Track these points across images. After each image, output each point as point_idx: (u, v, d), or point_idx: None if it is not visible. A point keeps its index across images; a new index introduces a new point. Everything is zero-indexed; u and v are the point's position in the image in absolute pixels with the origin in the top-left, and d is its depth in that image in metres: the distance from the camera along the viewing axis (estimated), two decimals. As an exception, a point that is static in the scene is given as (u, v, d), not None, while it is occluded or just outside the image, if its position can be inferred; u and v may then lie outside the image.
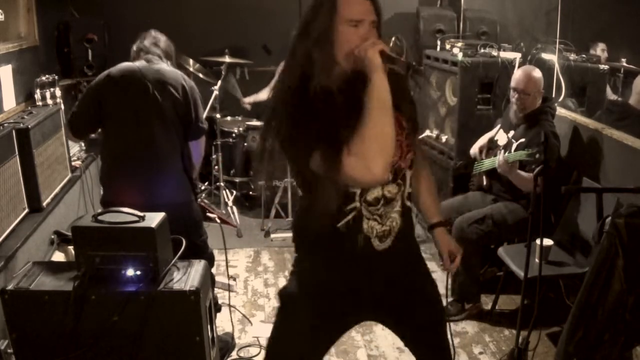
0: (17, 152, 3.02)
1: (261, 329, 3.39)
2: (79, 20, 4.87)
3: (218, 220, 3.71)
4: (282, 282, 4.00)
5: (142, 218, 2.23)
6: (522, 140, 3.43)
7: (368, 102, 1.61)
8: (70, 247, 3.11)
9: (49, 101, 3.85)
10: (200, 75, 4.87)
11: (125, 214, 2.24)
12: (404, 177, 1.82)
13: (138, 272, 2.20)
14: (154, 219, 2.23)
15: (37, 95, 3.85)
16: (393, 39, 4.21)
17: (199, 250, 2.94)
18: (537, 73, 3.48)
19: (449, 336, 2.01)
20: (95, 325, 2.17)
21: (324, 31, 1.66)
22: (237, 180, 5.16)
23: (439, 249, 2.06)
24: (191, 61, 4.89)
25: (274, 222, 4.82)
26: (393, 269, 1.86)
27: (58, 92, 3.93)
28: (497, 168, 3.39)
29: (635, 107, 3.56)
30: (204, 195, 4.96)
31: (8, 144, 2.96)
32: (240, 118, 5.35)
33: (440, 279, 2.03)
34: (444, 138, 4.47)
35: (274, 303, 3.71)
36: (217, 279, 3.52)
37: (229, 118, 5.33)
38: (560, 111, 3.80)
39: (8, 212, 2.89)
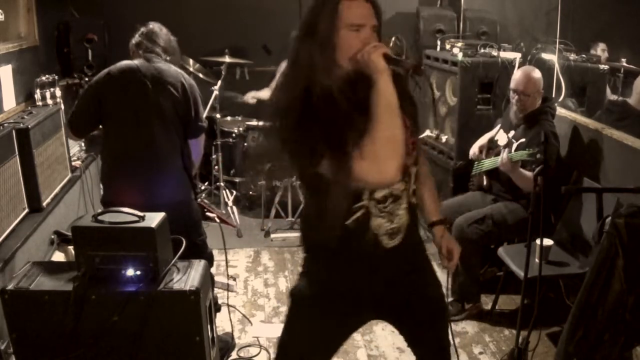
0: (17, 152, 3.03)
1: (261, 329, 3.39)
2: (79, 20, 4.88)
3: (217, 220, 3.72)
4: (282, 282, 4.00)
5: (142, 218, 2.23)
6: (522, 140, 3.42)
7: (376, 106, 1.61)
8: (70, 247, 3.11)
9: (49, 101, 3.85)
10: (200, 75, 4.87)
11: (125, 214, 2.24)
12: (409, 174, 1.83)
13: (138, 272, 2.20)
14: (154, 219, 2.23)
15: (37, 95, 3.85)
16: (393, 39, 4.21)
17: (199, 250, 2.94)
18: (537, 74, 3.48)
19: (449, 337, 2.01)
20: (95, 325, 2.17)
21: (326, 35, 1.66)
22: (237, 180, 5.16)
23: (437, 247, 2.06)
24: (191, 61, 4.89)
25: (274, 222, 4.82)
26: (401, 266, 1.87)
27: (58, 92, 3.93)
28: (500, 166, 3.38)
29: (635, 107, 3.56)
30: (203, 195, 4.96)
31: (8, 144, 2.96)
32: (240, 118, 5.34)
33: (440, 278, 2.02)
34: (444, 138, 4.47)
35: (274, 303, 3.71)
36: (217, 279, 3.52)
37: (229, 118, 5.32)
38: (560, 111, 3.79)
39: (8, 212, 2.90)
